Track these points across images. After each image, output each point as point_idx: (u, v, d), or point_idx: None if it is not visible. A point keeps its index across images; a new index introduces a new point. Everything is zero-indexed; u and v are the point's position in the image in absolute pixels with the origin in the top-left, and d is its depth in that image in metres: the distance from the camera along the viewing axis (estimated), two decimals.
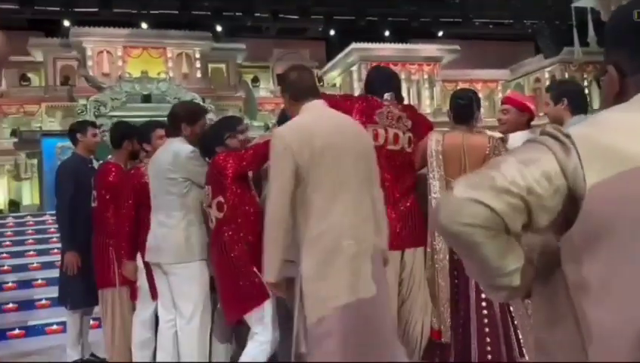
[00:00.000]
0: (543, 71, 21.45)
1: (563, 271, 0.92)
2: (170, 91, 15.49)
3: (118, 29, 17.56)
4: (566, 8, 12.83)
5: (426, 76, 20.50)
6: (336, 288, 2.20)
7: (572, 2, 12.27)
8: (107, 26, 17.31)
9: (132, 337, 3.41)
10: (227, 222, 2.79)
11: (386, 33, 19.41)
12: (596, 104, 15.90)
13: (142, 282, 3.36)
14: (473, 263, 0.97)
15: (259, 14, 18.18)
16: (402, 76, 19.55)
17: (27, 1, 15.99)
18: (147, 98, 15.34)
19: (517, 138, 3.01)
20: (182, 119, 3.05)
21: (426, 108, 19.14)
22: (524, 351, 2.70)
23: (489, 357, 2.70)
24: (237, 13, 17.99)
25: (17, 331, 5.11)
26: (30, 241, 8.13)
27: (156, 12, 17.50)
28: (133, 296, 3.51)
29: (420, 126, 3.00)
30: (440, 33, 20.22)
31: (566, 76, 20.66)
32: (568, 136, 0.90)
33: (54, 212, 4.48)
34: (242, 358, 2.76)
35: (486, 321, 2.72)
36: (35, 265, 6.82)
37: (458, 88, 20.23)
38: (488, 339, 2.71)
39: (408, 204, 2.85)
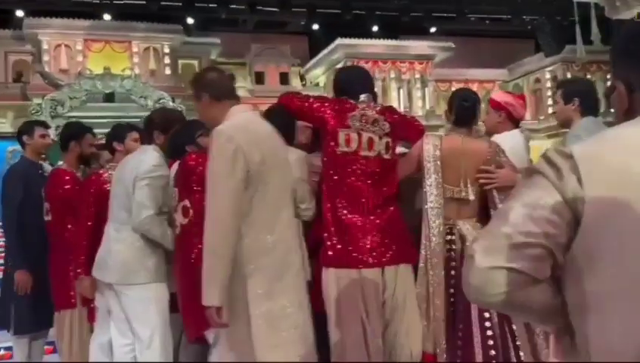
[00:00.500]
0: (543, 71, 21.75)
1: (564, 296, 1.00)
2: (136, 90, 15.38)
3: (78, 21, 17.39)
4: (569, 3, 13.05)
5: (417, 75, 20.63)
6: (285, 307, 2.21)
7: None
8: (66, 16, 17.12)
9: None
10: (192, 230, 2.78)
11: (375, 28, 19.52)
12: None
13: (100, 302, 3.32)
14: (525, 316, 1.10)
15: (235, 6, 18.17)
16: (392, 75, 19.69)
17: None
18: (109, 97, 15.21)
19: (503, 139, 3.06)
20: (156, 126, 3.06)
21: (417, 110, 19.27)
22: (521, 355, 2.73)
23: None
24: (210, 5, 17.96)
25: None
26: None
27: (121, 2, 17.39)
28: (91, 317, 3.46)
29: (406, 129, 3.01)
30: (433, 29, 20.41)
31: (569, 76, 20.97)
32: (570, 156, 0.97)
33: None
34: None
35: (489, 333, 2.72)
36: None
37: (452, 88, 20.51)
38: (492, 352, 2.72)
39: (387, 216, 2.84)
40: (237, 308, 2.23)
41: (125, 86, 15.45)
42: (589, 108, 2.96)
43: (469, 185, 2.81)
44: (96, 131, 13.30)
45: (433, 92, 20.75)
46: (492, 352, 2.69)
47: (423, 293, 2.86)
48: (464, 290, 1.05)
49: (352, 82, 2.97)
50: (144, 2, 17.42)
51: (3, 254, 4.13)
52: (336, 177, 2.81)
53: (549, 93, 21.96)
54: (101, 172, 3.44)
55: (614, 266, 0.92)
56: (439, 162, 2.84)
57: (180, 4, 17.80)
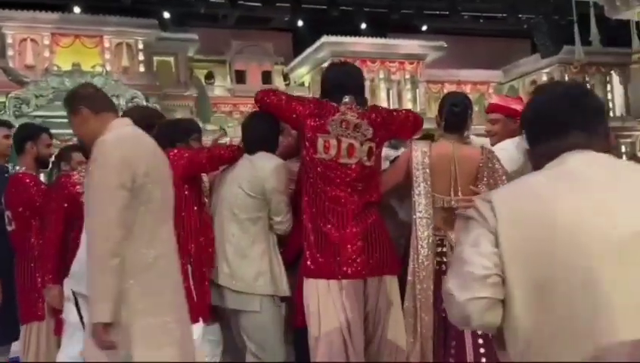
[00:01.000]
0: (540, 73, 21.99)
1: None
2: (107, 88, 15.22)
3: (45, 13, 17.26)
4: (567, 2, 13.22)
5: (408, 76, 20.76)
6: (167, 322, 2.25)
7: None
8: (32, 8, 16.99)
9: None
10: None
11: (363, 26, 19.59)
12: None
13: (69, 313, 3.30)
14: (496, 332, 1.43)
15: (214, 0, 18.16)
16: (381, 75, 19.78)
17: None
18: None
19: (508, 148, 3.07)
20: (137, 124, 3.06)
21: None
22: None
23: None
24: None
25: None
26: None
27: None
28: (57, 329, 3.44)
29: (396, 128, 3.00)
30: (424, 27, 20.53)
31: (566, 78, 21.22)
32: (490, 201, 1.38)
33: None
34: None
35: (482, 351, 2.75)
36: None
37: (445, 89, 20.67)
38: None
39: (368, 225, 2.85)
40: (116, 324, 2.25)
41: (95, 84, 15.36)
42: None
43: (460, 194, 2.83)
44: (63, 131, 13.11)
45: (424, 94, 20.89)
46: None
47: (410, 307, 2.88)
48: (452, 321, 1.45)
49: (338, 81, 2.94)
50: None
51: None
52: (314, 185, 2.81)
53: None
54: (71, 174, 3.42)
55: (519, 277, 1.31)
56: (428, 170, 2.85)
57: None
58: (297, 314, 3.05)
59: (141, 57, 18.55)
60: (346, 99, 2.87)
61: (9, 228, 3.58)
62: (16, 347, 3.78)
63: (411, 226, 2.90)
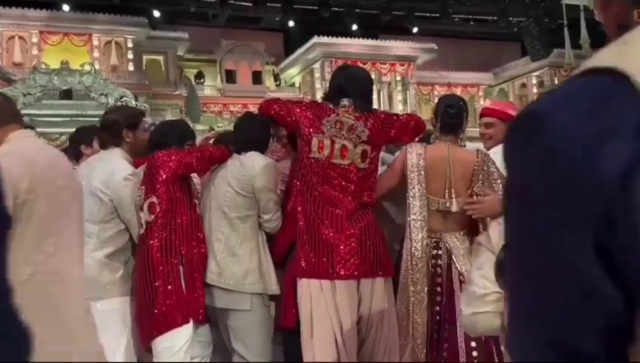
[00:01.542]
0: (530, 76, 22.15)
1: None
2: (96, 86, 15.19)
3: (33, 11, 17.18)
4: (557, 6, 13.32)
5: (398, 78, 20.85)
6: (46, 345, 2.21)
7: None
8: (20, 6, 16.89)
9: None
10: (158, 228, 2.80)
11: (354, 27, 19.66)
12: None
13: None
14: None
15: None
16: (372, 77, 19.79)
17: None
18: (67, 94, 14.98)
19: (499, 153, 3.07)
20: (123, 124, 3.04)
21: None
22: None
23: None
24: None
25: None
26: None
27: None
28: None
29: (395, 132, 3.00)
30: (415, 29, 20.63)
31: (556, 81, 21.36)
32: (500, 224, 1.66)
33: None
34: None
35: (475, 354, 2.75)
36: None
37: (435, 92, 20.75)
38: None
39: (362, 226, 2.85)
40: None
41: (84, 82, 15.24)
42: None
43: (454, 196, 2.83)
44: (52, 130, 13.06)
45: (415, 96, 20.98)
46: None
47: (403, 309, 2.86)
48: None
49: (340, 84, 2.95)
50: None
51: None
52: (309, 184, 2.81)
53: (535, 99, 22.32)
54: None
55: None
56: (423, 173, 2.84)
57: None
58: (285, 314, 3.04)
59: (130, 55, 18.49)
60: (344, 101, 2.86)
61: None
62: None
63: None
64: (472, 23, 21.23)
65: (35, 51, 17.30)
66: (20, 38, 17.29)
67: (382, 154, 3.20)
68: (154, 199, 2.85)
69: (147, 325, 2.83)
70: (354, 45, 19.75)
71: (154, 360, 2.82)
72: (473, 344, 2.77)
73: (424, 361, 2.82)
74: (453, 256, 2.85)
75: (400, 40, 20.62)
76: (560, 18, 13.67)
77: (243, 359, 3.00)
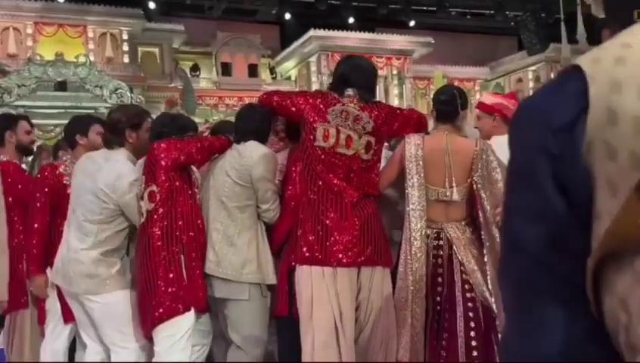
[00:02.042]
0: (526, 70, 22.16)
1: None
2: (91, 78, 15.14)
3: (28, 2, 17.06)
4: (554, 0, 13.32)
5: (395, 72, 20.82)
6: None
7: None
8: None
9: None
10: (158, 217, 2.82)
11: (350, 20, 19.60)
12: None
13: (51, 303, 3.29)
14: None
15: None
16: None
17: None
18: (62, 86, 14.93)
19: (501, 141, 3.11)
20: (126, 125, 3.05)
21: None
22: None
23: None
24: None
25: None
26: None
27: None
28: (41, 319, 3.42)
29: (399, 125, 3.03)
30: (412, 23, 20.58)
31: (552, 76, 21.36)
32: None
33: None
34: None
35: (474, 344, 2.78)
36: None
37: (431, 86, 20.73)
38: None
39: (365, 216, 2.88)
40: None
41: (78, 74, 15.20)
42: None
43: (454, 185, 2.85)
44: (46, 122, 13.01)
45: (411, 90, 20.97)
46: None
47: (402, 299, 2.89)
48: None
49: (344, 75, 2.97)
50: None
51: None
52: (313, 172, 2.84)
53: (531, 94, 22.33)
54: (57, 164, 3.40)
55: None
56: (421, 162, 2.86)
57: None
58: (279, 303, 3.07)
59: (125, 47, 18.41)
60: (349, 92, 2.89)
61: None
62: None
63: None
64: (469, 17, 21.20)
65: (29, 43, 17.20)
66: (15, 29, 17.19)
67: (383, 151, 3.23)
68: (154, 187, 2.87)
69: (149, 314, 2.85)
70: (350, 39, 19.71)
71: (155, 348, 2.85)
72: (472, 334, 2.80)
73: (422, 349, 2.86)
74: (454, 247, 2.88)
75: (397, 34, 20.59)
76: (557, 13, 13.69)
77: (239, 348, 3.02)
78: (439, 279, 2.90)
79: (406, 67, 21.02)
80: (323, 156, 2.84)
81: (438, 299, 2.89)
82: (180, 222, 2.88)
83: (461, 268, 2.85)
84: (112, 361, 3.02)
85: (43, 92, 14.66)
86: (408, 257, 2.88)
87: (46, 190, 3.28)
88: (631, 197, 0.63)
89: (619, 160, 0.66)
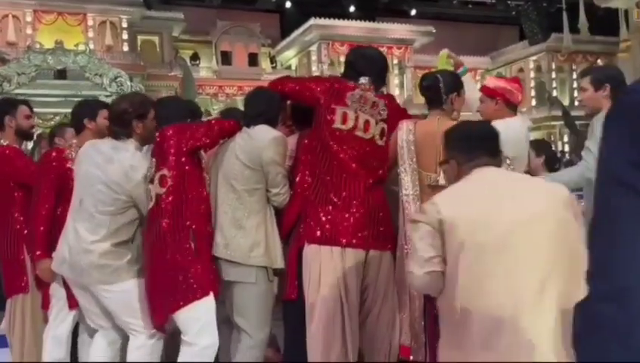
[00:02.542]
0: (528, 60, 22.14)
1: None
2: (90, 67, 15.16)
3: None
4: None
5: (396, 61, 20.80)
6: None
7: None
8: None
9: (43, 356, 3.35)
10: (169, 203, 2.83)
11: (351, 9, 19.60)
12: None
13: (56, 288, 3.32)
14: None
15: None
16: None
17: None
18: (61, 74, 14.97)
19: (515, 127, 3.13)
20: (133, 115, 3.04)
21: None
22: None
23: None
24: None
25: None
26: None
27: None
28: (45, 304, 3.45)
29: (400, 119, 3.07)
30: (413, 12, 20.58)
31: (554, 66, 21.36)
32: (434, 203, 2.01)
33: None
34: None
35: None
36: None
37: None
38: None
39: (375, 200, 2.91)
40: None
41: (78, 62, 15.21)
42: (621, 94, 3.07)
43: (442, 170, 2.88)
44: (46, 110, 12.98)
45: (412, 79, 20.94)
46: None
47: (399, 282, 2.93)
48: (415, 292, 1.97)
49: (356, 64, 3.00)
50: None
51: None
52: (328, 153, 2.86)
53: (532, 83, 22.36)
54: (63, 149, 3.41)
55: (459, 255, 1.92)
56: (413, 147, 2.88)
57: None
58: (290, 286, 3.09)
59: (125, 35, 18.39)
60: (363, 80, 2.93)
61: None
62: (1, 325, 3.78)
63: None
64: (470, 6, 21.19)
65: (29, 31, 17.20)
66: (14, 17, 17.17)
67: None
68: (165, 171, 2.87)
69: (163, 301, 2.87)
70: (351, 28, 19.68)
71: (183, 337, 2.84)
72: None
73: (422, 333, 2.89)
74: None
75: (398, 23, 20.55)
76: (558, 2, 13.67)
77: (244, 332, 3.05)
78: None
79: (407, 57, 20.99)
80: (341, 138, 2.87)
81: None
82: (191, 208, 2.88)
83: None
84: (131, 344, 3.05)
85: (43, 80, 14.67)
86: (404, 241, 2.90)
87: (52, 176, 3.29)
88: None
89: None
